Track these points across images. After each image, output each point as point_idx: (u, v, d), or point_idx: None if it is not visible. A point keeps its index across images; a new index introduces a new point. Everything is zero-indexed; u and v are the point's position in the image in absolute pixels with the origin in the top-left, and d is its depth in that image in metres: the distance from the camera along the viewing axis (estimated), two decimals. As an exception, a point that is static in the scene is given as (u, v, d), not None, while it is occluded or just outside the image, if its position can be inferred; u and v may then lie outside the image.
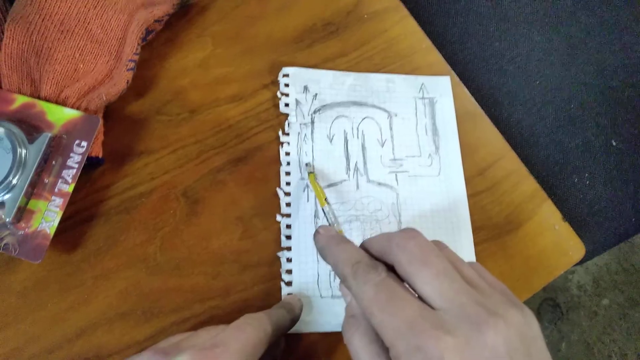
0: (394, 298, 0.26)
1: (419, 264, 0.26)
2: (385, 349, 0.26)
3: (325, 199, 0.42)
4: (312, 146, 0.47)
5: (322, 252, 0.33)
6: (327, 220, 0.41)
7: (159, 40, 0.48)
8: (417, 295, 0.27)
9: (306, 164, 0.47)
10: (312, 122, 0.48)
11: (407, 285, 0.27)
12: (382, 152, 0.48)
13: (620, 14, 0.71)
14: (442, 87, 0.52)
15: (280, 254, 0.43)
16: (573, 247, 0.49)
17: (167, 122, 0.46)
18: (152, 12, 0.45)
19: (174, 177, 0.44)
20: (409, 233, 0.28)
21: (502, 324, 0.24)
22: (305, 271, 0.43)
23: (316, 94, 0.49)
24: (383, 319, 0.25)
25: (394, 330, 0.25)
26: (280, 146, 0.47)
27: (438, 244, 0.29)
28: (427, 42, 0.54)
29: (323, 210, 0.42)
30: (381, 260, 0.29)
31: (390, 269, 0.28)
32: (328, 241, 0.33)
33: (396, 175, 0.48)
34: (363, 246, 0.32)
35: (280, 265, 0.43)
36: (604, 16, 0.71)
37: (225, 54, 0.49)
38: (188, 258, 0.42)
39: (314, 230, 0.34)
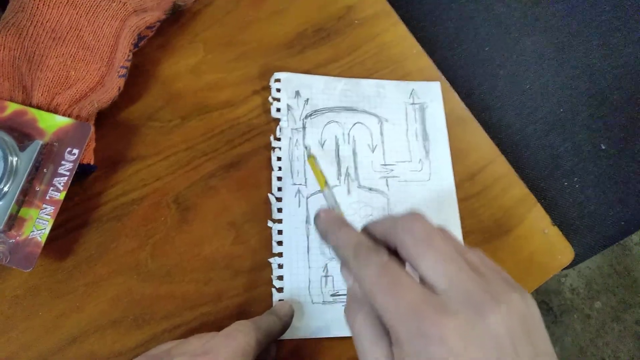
0: (396, 281, 0.25)
1: (424, 246, 0.26)
2: (387, 332, 0.26)
3: (326, 182, 0.41)
4: (304, 151, 0.47)
5: (323, 235, 0.33)
6: (328, 203, 0.40)
7: (151, 47, 0.48)
8: (419, 278, 0.26)
9: (305, 147, 0.47)
10: (304, 127, 0.48)
11: (409, 269, 0.27)
12: (373, 157, 0.49)
13: (609, 17, 0.72)
14: (433, 93, 0.52)
15: (271, 260, 0.44)
16: (562, 250, 0.49)
17: (159, 129, 0.46)
18: (144, 19, 0.45)
19: (166, 183, 0.44)
20: (415, 216, 0.28)
21: (505, 309, 0.24)
22: (297, 277, 0.43)
23: (308, 99, 0.49)
24: (385, 302, 0.25)
25: (396, 313, 0.25)
26: (271, 151, 0.47)
27: (442, 229, 0.29)
28: (417, 48, 0.55)
29: (323, 193, 0.41)
30: (383, 244, 0.29)
31: (392, 252, 0.28)
32: (329, 224, 0.32)
33: (387, 180, 0.48)
34: (365, 229, 0.31)
35: (271, 271, 0.43)
36: (594, 20, 0.72)
37: (216, 59, 0.50)
38: (179, 265, 0.42)
39: (315, 214, 0.34)
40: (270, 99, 0.49)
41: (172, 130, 0.46)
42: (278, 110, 0.48)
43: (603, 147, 0.65)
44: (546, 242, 0.49)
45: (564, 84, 0.68)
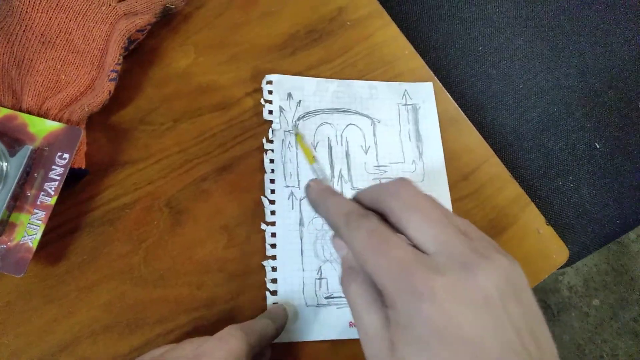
0: (385, 242, 0.26)
1: (412, 209, 0.26)
2: (381, 296, 0.26)
3: (314, 157, 0.42)
4: (297, 153, 0.47)
5: (314, 205, 0.33)
6: (318, 177, 0.41)
7: (142, 50, 0.48)
8: (409, 241, 0.27)
9: (293, 125, 0.47)
10: (293, 131, 0.48)
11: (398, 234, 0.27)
12: (366, 158, 0.49)
13: (602, 17, 0.72)
14: (425, 93, 0.52)
15: (265, 262, 0.43)
16: (557, 250, 0.49)
17: (151, 132, 0.46)
18: (134, 22, 0.45)
19: (158, 187, 0.44)
20: (401, 181, 0.28)
21: (493, 268, 0.24)
22: (291, 279, 0.43)
23: (300, 101, 0.49)
24: (375, 263, 0.25)
25: (386, 273, 0.25)
26: (264, 154, 0.47)
27: (429, 195, 0.29)
28: (410, 48, 0.54)
29: (313, 167, 0.41)
30: (373, 211, 0.29)
31: (382, 219, 0.28)
32: (319, 193, 0.33)
33: (380, 181, 0.48)
34: (355, 198, 0.31)
35: (265, 274, 0.43)
36: (586, 20, 0.72)
37: (208, 62, 0.49)
38: (172, 268, 0.42)
39: (305, 185, 0.34)
40: (262, 101, 0.48)
41: (164, 133, 0.46)
42: (270, 112, 0.48)
43: (597, 146, 0.65)
44: (540, 242, 0.49)
45: (558, 83, 0.68)
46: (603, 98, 0.68)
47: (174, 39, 0.50)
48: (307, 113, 0.49)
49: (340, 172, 0.48)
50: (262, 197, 0.45)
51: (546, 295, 1.35)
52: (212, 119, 0.47)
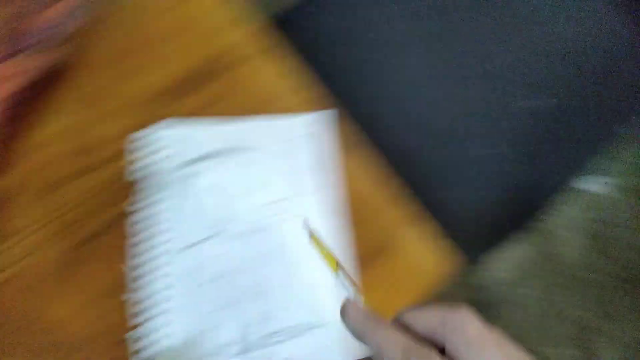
0: None
1: (480, 350, 0.26)
2: None
3: (337, 264, 0.36)
4: (184, 205, 0.47)
5: (358, 336, 0.30)
6: (344, 287, 0.36)
7: (23, 109, 0.47)
8: None
9: (306, 225, 0.45)
10: (181, 179, 0.48)
11: None
12: (266, 194, 0.48)
13: (485, 31, 0.75)
14: (323, 123, 0.52)
15: (137, 329, 0.43)
16: (450, 260, 0.51)
17: (26, 202, 0.45)
18: (4, 88, 0.44)
19: (30, 262, 0.43)
20: (465, 315, 0.27)
21: None
22: (172, 338, 0.43)
23: (190, 146, 0.49)
24: None
25: None
26: (142, 211, 0.46)
27: (495, 333, 0.28)
28: (302, 80, 0.54)
29: (338, 278, 0.36)
30: (427, 339, 0.28)
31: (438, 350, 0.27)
32: (364, 324, 0.30)
33: (278, 216, 0.48)
34: (404, 323, 0.29)
35: (144, 337, 0.42)
36: (467, 33, 0.75)
37: (94, 115, 0.48)
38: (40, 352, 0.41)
39: (340, 310, 0.31)
40: (142, 154, 0.48)
41: (41, 201, 0.45)
42: (158, 162, 0.47)
43: (490, 152, 0.68)
44: (434, 254, 0.50)
45: (451, 95, 0.71)
46: (490, 106, 0.71)
47: (59, 93, 0.48)
48: (199, 157, 0.48)
49: (237, 212, 0.47)
50: (134, 261, 0.45)
51: (478, 293, 1.36)
52: (89, 180, 0.46)
